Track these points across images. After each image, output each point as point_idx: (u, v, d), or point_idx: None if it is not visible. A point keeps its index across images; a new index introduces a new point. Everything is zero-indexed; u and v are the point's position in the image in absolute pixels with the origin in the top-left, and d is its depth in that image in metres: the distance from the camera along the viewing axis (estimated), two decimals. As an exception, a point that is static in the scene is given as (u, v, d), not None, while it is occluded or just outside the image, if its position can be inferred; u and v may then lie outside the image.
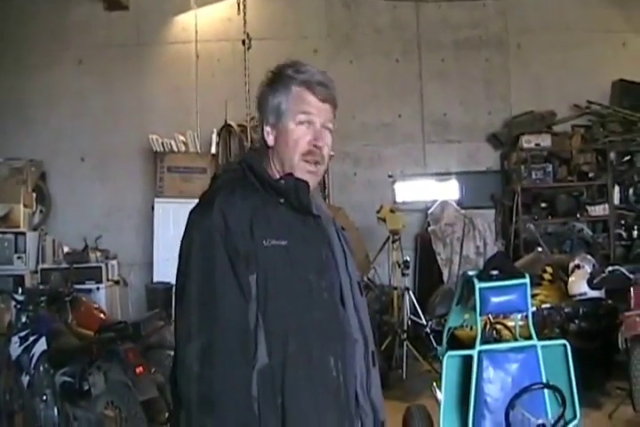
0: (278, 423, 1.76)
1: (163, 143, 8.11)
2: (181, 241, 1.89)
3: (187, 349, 1.77)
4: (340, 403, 1.83)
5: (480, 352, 3.38)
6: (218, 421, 1.73)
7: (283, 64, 1.96)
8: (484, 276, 3.45)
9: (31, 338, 4.72)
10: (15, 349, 4.78)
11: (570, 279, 6.10)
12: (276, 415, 1.76)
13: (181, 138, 8.17)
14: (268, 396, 1.77)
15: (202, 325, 1.77)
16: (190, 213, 1.91)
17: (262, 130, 1.98)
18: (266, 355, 1.78)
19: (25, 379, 4.66)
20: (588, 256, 6.44)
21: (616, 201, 8.55)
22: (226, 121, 8.14)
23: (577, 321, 5.86)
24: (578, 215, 8.47)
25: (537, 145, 8.49)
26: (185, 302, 1.81)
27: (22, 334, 4.80)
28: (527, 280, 3.40)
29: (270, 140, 1.95)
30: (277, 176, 1.93)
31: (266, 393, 1.77)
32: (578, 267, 6.13)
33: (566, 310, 5.92)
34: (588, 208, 8.50)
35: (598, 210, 8.51)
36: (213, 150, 8.27)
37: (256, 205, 1.84)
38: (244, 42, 7.41)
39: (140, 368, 4.12)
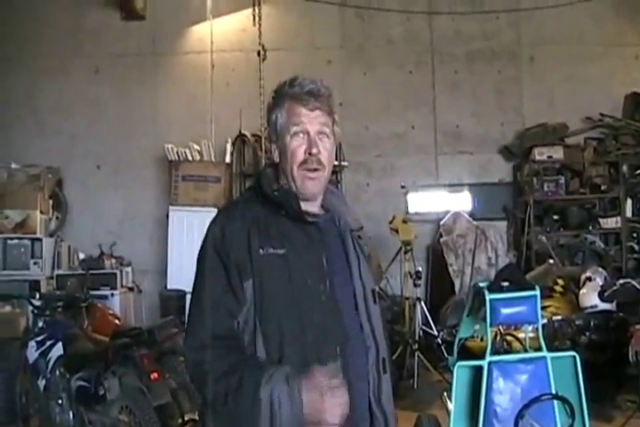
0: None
1: (177, 152, 8.19)
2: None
3: (184, 344, 1.96)
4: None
5: (490, 363, 3.41)
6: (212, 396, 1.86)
7: (284, 81, 2.05)
8: (494, 287, 3.48)
9: (48, 343, 4.80)
10: (32, 353, 4.86)
11: (581, 292, 6.11)
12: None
13: (196, 147, 8.25)
14: None
15: (194, 322, 1.94)
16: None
17: (270, 148, 2.09)
18: (264, 357, 1.85)
19: (41, 383, 4.74)
20: (600, 269, 6.45)
21: (628, 214, 8.54)
22: (240, 131, 8.22)
23: (588, 333, 5.87)
24: (590, 228, 8.47)
25: (549, 157, 8.51)
26: (191, 304, 2.00)
27: (39, 338, 4.88)
28: (537, 292, 3.43)
29: (276, 156, 2.05)
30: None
31: None
32: (589, 279, 6.13)
33: (577, 323, 5.93)
34: (600, 221, 8.51)
35: (610, 222, 8.52)
36: (227, 160, 8.35)
37: (257, 216, 1.95)
38: (259, 53, 7.49)
39: (155, 374, 4.17)
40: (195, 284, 1.98)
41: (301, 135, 1.99)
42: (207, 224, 2.02)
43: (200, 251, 1.98)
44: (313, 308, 1.89)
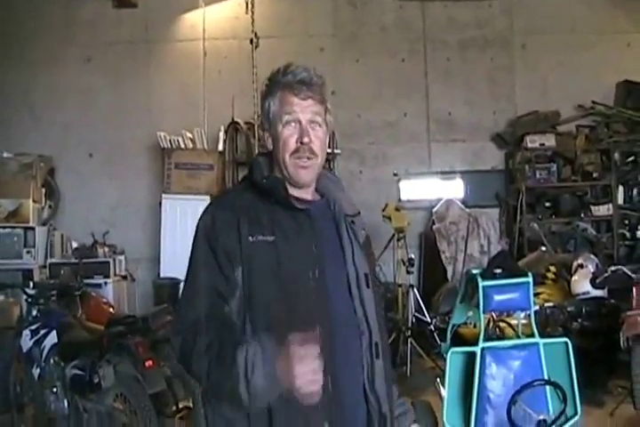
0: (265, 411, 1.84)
1: (170, 140, 8.17)
2: None
3: (171, 328, 2.03)
4: (326, 390, 1.83)
5: (483, 349, 3.43)
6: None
7: (277, 69, 2.06)
8: (487, 274, 3.51)
9: (42, 331, 4.80)
10: (26, 342, 4.86)
11: (573, 278, 6.16)
12: None
13: (188, 135, 8.23)
14: None
15: (182, 311, 1.98)
16: None
17: (263, 136, 2.10)
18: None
19: (36, 371, 4.75)
20: (592, 256, 6.49)
21: (620, 201, 8.59)
22: (233, 118, 8.20)
23: (579, 320, 5.92)
24: (582, 215, 8.52)
25: (541, 145, 8.53)
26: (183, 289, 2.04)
27: (33, 327, 4.88)
28: (530, 279, 3.45)
29: (269, 144, 2.07)
30: (279, 176, 2.05)
31: None
32: (581, 266, 6.18)
33: (569, 309, 5.98)
34: (592, 208, 8.56)
35: (602, 210, 8.56)
36: (220, 147, 8.33)
37: (248, 204, 1.97)
38: (251, 40, 7.46)
39: (150, 362, 4.19)
40: (187, 272, 2.00)
41: (293, 124, 2.00)
42: (200, 212, 2.04)
43: (193, 240, 2.00)
44: (301, 295, 1.90)
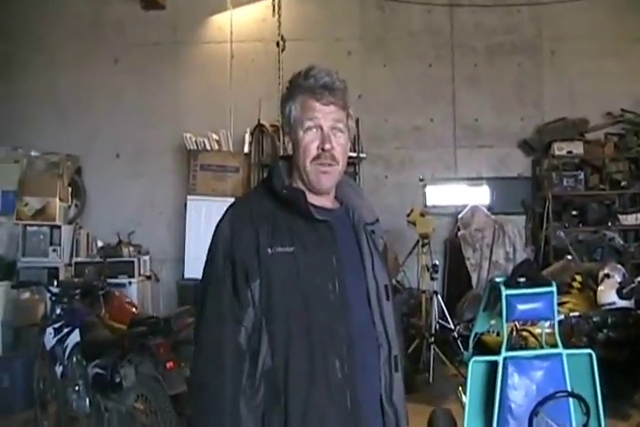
0: (281, 422, 1.82)
1: (196, 141, 8.21)
2: None
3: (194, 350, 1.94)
4: (344, 404, 1.85)
5: (505, 359, 3.40)
6: (203, 416, 1.89)
7: (298, 72, 2.02)
8: (511, 283, 3.47)
9: (65, 330, 4.85)
10: (49, 339, 4.91)
11: (599, 288, 6.07)
12: (278, 414, 1.83)
13: (214, 136, 8.26)
14: (272, 396, 1.84)
15: (197, 328, 1.95)
16: None
17: (284, 140, 2.07)
18: (269, 357, 1.85)
19: (58, 369, 4.79)
20: (618, 266, 6.40)
21: (648, 210, 8.48)
22: (259, 121, 8.22)
23: (605, 331, 5.83)
24: (609, 224, 8.42)
25: (569, 152, 8.45)
26: (196, 304, 1.99)
27: (57, 325, 4.93)
28: (554, 288, 3.41)
29: (289, 149, 2.03)
30: (298, 182, 2.01)
31: (270, 393, 1.84)
32: (607, 276, 6.09)
33: (594, 319, 5.89)
34: (620, 217, 8.45)
35: (630, 219, 8.46)
36: (246, 150, 8.36)
37: (268, 213, 1.93)
38: (278, 43, 7.48)
39: (171, 363, 4.19)
40: (203, 285, 1.96)
41: (314, 130, 1.96)
42: (225, 214, 2.01)
43: (210, 248, 1.96)
44: (320, 307, 1.87)
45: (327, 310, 1.88)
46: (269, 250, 1.87)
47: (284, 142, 8.06)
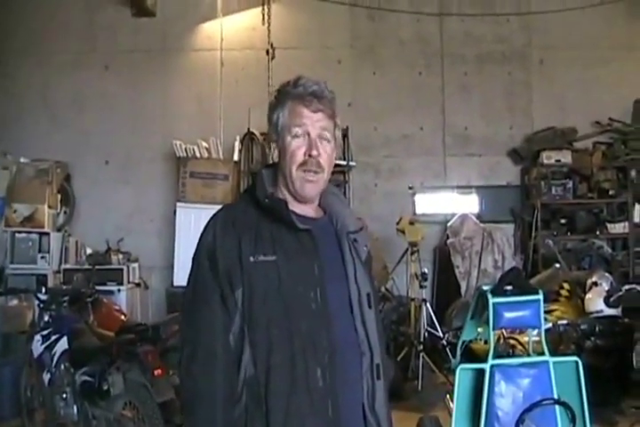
0: None
1: (186, 149, 8.21)
2: None
3: (180, 358, 1.94)
4: (325, 412, 1.85)
5: (492, 366, 3.41)
6: (193, 421, 1.89)
7: (287, 81, 2.03)
8: (497, 291, 3.49)
9: (53, 337, 4.82)
10: (37, 347, 4.88)
11: (587, 296, 6.10)
12: (261, 422, 1.83)
13: (204, 144, 8.27)
14: (254, 403, 1.85)
15: (186, 339, 1.93)
16: None
17: (270, 147, 2.07)
18: (252, 365, 1.85)
19: (46, 376, 4.77)
20: (606, 274, 6.43)
21: (636, 219, 8.55)
22: (249, 128, 8.23)
23: (593, 338, 5.85)
24: (597, 232, 8.48)
25: (557, 161, 8.51)
26: (184, 313, 1.98)
27: (45, 332, 4.90)
28: (541, 297, 3.43)
29: (275, 155, 2.03)
30: (283, 190, 2.02)
31: (252, 401, 1.85)
32: (595, 284, 6.12)
33: (582, 327, 5.91)
34: (608, 225, 8.51)
35: (618, 228, 8.52)
36: (236, 157, 8.36)
37: (250, 221, 1.93)
38: (267, 51, 7.51)
39: (159, 370, 4.19)
40: (186, 295, 1.96)
41: (302, 137, 1.97)
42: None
43: (194, 256, 1.97)
44: (302, 316, 1.87)
45: (309, 318, 1.88)
46: (252, 258, 1.88)
47: (269, 149, 8.04)
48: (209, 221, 1.99)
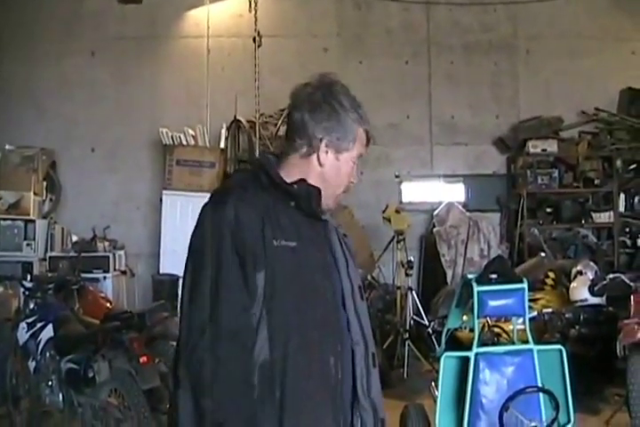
0: (275, 417, 1.82)
1: (172, 136, 8.17)
2: (192, 234, 1.93)
3: (200, 339, 1.82)
4: (336, 400, 1.90)
5: (477, 354, 3.44)
6: (216, 404, 1.80)
7: (332, 84, 2.06)
8: (482, 279, 3.51)
9: (38, 324, 4.81)
10: (22, 334, 4.87)
11: (572, 285, 6.15)
12: (273, 408, 1.83)
13: (191, 132, 8.23)
14: (266, 389, 1.83)
15: (211, 318, 1.83)
16: (203, 207, 1.95)
17: (311, 141, 1.98)
18: (267, 349, 1.83)
19: (31, 364, 4.75)
20: (591, 263, 6.48)
21: (621, 208, 8.61)
22: (235, 116, 8.21)
23: (577, 327, 5.90)
24: (583, 222, 8.53)
25: (543, 150, 8.54)
26: (199, 293, 1.86)
27: (30, 320, 4.88)
28: (525, 285, 3.46)
29: (323, 159, 1.99)
30: (290, 180, 1.98)
31: (265, 386, 1.83)
32: (580, 273, 6.17)
33: (567, 316, 5.96)
34: (593, 215, 8.57)
35: (603, 217, 8.57)
36: (222, 145, 8.34)
37: (267, 203, 1.89)
38: (254, 39, 7.46)
39: (144, 358, 4.18)
40: (206, 271, 1.85)
41: (354, 165, 2.04)
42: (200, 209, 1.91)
43: (211, 232, 1.86)
44: (318, 304, 1.89)
45: (324, 307, 1.91)
46: (275, 242, 1.85)
47: (261, 137, 8.08)
48: (223, 200, 1.90)
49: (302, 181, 1.96)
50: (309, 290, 1.89)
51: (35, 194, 8.05)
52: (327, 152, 2.00)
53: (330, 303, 1.92)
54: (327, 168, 2.00)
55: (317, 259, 1.93)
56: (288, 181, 1.97)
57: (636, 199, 8.68)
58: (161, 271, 7.90)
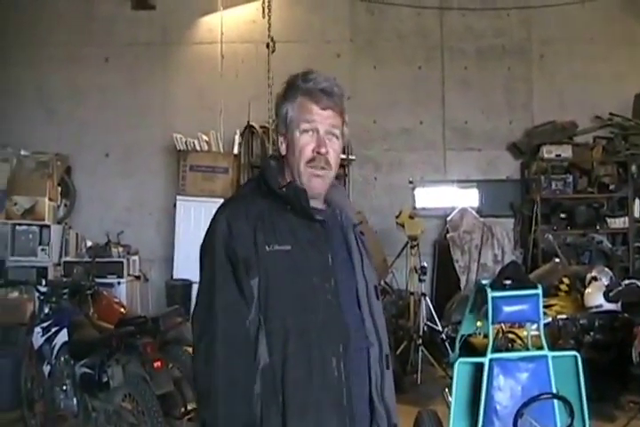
0: (279, 420, 1.84)
1: (186, 142, 8.21)
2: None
3: (197, 347, 1.92)
4: (340, 402, 1.87)
5: (491, 360, 3.43)
6: (213, 415, 1.85)
7: (296, 74, 2.02)
8: (496, 285, 3.49)
9: (53, 329, 4.83)
10: (37, 339, 4.89)
11: (586, 291, 6.11)
12: (276, 412, 1.84)
13: (204, 137, 8.27)
14: (269, 393, 1.85)
15: (205, 326, 1.90)
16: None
17: (277, 139, 2.06)
18: (267, 354, 1.86)
19: (46, 368, 4.77)
20: (606, 269, 6.44)
21: (636, 214, 8.54)
22: (248, 122, 8.23)
23: (592, 333, 5.85)
24: (597, 227, 8.47)
25: (558, 155, 8.50)
26: (197, 302, 1.96)
27: (45, 324, 4.90)
28: (539, 291, 3.44)
29: (283, 149, 2.02)
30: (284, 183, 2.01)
31: (268, 391, 1.85)
32: (595, 279, 6.13)
33: (582, 322, 5.92)
34: (608, 220, 8.51)
35: (618, 222, 8.51)
36: (235, 151, 8.36)
37: (263, 211, 1.93)
38: (267, 45, 7.49)
39: (158, 363, 4.19)
40: (203, 283, 1.94)
41: (311, 133, 1.97)
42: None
43: (207, 247, 1.95)
44: (317, 306, 1.88)
45: (324, 309, 1.89)
46: (267, 247, 1.88)
47: (274, 143, 8.09)
48: (218, 212, 1.97)
49: (290, 183, 1.99)
50: (307, 292, 1.89)
51: (49, 199, 8.09)
52: (281, 142, 2.03)
53: (331, 304, 1.90)
54: (287, 153, 2.02)
55: (316, 261, 1.92)
56: (284, 183, 2.00)
57: (651, 205, 8.62)
58: (174, 276, 7.93)
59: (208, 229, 1.97)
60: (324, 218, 1.98)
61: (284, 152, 2.03)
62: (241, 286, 1.87)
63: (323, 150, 1.96)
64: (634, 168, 8.50)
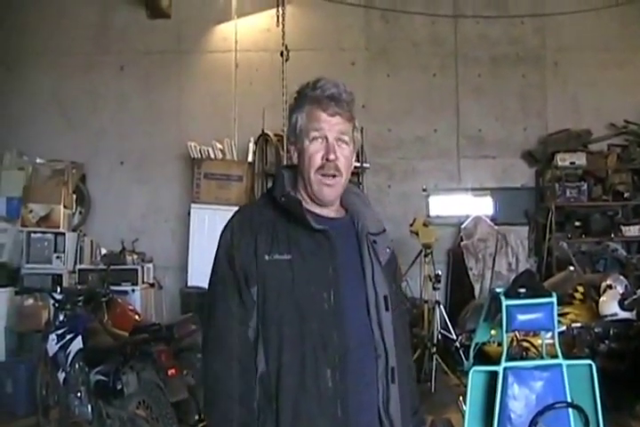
0: None
1: (200, 150, 8.25)
2: None
3: (203, 353, 1.99)
4: (334, 413, 1.86)
5: (505, 369, 3.41)
6: (211, 423, 1.93)
7: (306, 82, 2.04)
8: (511, 293, 3.49)
9: (68, 336, 4.87)
10: (52, 346, 4.93)
11: (601, 299, 6.08)
12: (271, 420, 1.86)
13: (219, 145, 8.30)
14: (265, 401, 1.88)
15: (206, 334, 1.98)
16: None
17: (290, 149, 2.08)
18: (264, 362, 1.88)
19: (61, 375, 4.81)
20: (621, 277, 6.40)
21: (651, 222, 8.48)
22: (263, 130, 8.26)
23: (607, 342, 5.83)
24: (612, 235, 8.42)
25: (572, 163, 8.47)
26: (202, 312, 2.05)
27: (59, 331, 4.95)
28: (554, 299, 3.43)
29: (295, 158, 2.04)
30: (302, 192, 2.03)
31: (264, 398, 1.88)
32: (610, 287, 6.10)
33: (596, 330, 5.89)
34: (623, 228, 8.45)
35: (633, 230, 8.46)
36: (250, 159, 8.39)
37: (268, 220, 1.96)
38: (282, 53, 7.52)
39: (172, 370, 4.21)
40: (208, 290, 2.01)
41: (320, 140, 1.98)
42: (229, 222, 2.05)
43: (215, 255, 2.01)
44: (314, 316, 1.88)
45: (321, 318, 1.89)
46: (267, 257, 1.90)
47: (288, 151, 8.06)
48: (228, 222, 2.03)
49: (288, 193, 2.01)
50: (304, 302, 1.89)
51: (65, 207, 8.14)
52: (293, 152, 2.05)
53: (329, 314, 1.89)
54: (298, 162, 2.03)
55: (316, 270, 1.91)
56: (293, 193, 2.03)
57: (667, 212, 8.57)
58: (189, 284, 7.94)
59: (219, 238, 2.02)
60: (331, 227, 1.97)
61: (296, 161, 2.04)
62: (241, 294, 1.91)
63: (332, 157, 1.96)
64: (649, 176, 8.46)
